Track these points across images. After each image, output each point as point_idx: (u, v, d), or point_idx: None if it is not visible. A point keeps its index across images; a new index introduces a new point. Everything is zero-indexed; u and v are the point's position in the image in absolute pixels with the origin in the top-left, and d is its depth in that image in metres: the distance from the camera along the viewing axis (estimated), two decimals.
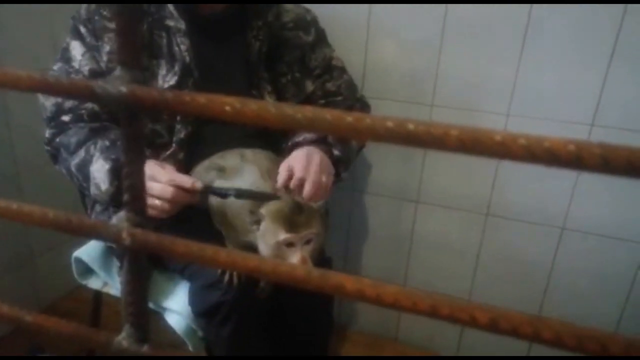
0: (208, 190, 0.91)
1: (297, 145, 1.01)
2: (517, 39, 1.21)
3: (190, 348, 1.05)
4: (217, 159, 1.00)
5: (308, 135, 1.03)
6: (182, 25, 1.00)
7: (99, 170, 0.95)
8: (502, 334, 0.16)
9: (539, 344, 0.16)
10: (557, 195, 1.30)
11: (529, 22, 1.19)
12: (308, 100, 1.16)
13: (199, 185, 0.89)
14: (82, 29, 1.00)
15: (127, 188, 0.21)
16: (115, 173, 0.94)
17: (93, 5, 1.01)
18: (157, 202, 0.88)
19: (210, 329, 0.99)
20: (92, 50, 1.00)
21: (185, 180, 0.89)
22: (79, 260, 1.16)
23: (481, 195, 1.37)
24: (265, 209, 0.85)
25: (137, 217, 0.21)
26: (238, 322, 0.96)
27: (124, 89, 0.19)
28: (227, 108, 0.17)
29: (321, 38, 1.18)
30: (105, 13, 1.00)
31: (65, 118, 1.01)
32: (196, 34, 1.03)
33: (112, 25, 1.00)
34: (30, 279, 1.56)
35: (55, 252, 1.58)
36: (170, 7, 0.99)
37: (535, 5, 1.17)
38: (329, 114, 0.16)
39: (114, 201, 0.97)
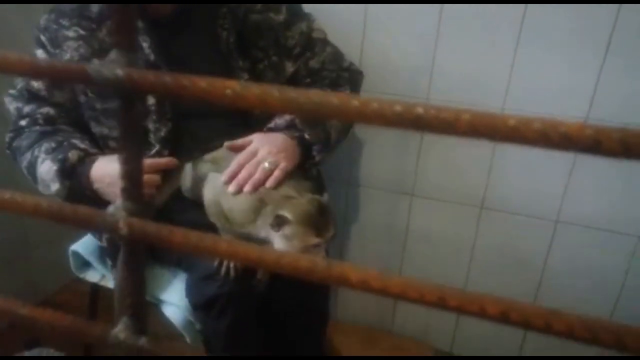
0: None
1: (270, 131, 1.01)
2: (512, 34, 1.20)
3: (188, 340, 1.04)
4: (206, 155, 1.00)
5: (279, 121, 1.02)
6: (139, 24, 0.99)
7: (48, 172, 0.97)
8: (514, 326, 0.15)
9: (548, 335, 0.15)
10: (550, 188, 1.30)
11: (524, 17, 1.18)
12: (291, 81, 1.12)
13: (174, 161, 0.96)
14: (42, 38, 1.02)
15: (124, 175, 0.20)
16: (64, 173, 0.95)
17: (53, 15, 1.02)
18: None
19: (207, 321, 0.99)
20: (53, 58, 1.01)
21: (163, 162, 0.95)
22: (76, 254, 1.16)
23: (476, 188, 1.37)
24: (291, 212, 0.83)
25: (134, 206, 0.20)
26: (235, 314, 0.96)
27: (120, 72, 0.18)
28: (228, 91, 0.17)
29: (295, 13, 1.12)
30: (64, 22, 1.01)
31: (23, 122, 1.04)
32: (161, 30, 1.02)
33: (71, 33, 1.01)
34: (26, 271, 1.55)
35: (52, 244, 1.56)
36: None
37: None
38: (335, 99, 0.15)
39: (68, 200, 0.98)
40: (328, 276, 0.17)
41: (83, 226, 0.22)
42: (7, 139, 1.06)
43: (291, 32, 1.10)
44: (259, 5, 1.07)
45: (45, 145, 0.99)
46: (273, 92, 0.16)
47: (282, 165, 0.91)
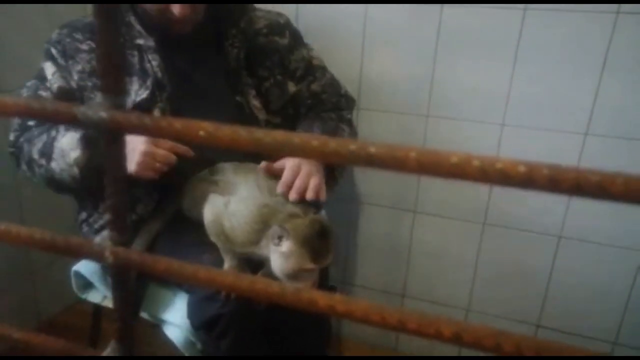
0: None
1: None
2: (510, 50, 1.22)
3: None
4: (210, 172, 1.02)
5: None
6: (151, 42, 1.04)
7: (69, 142, 0.97)
8: (466, 347, 0.16)
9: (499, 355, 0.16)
10: (553, 203, 1.30)
11: (521, 32, 1.20)
12: (293, 100, 1.19)
13: (191, 152, 0.98)
14: (53, 51, 1.06)
15: (109, 207, 0.22)
16: (86, 141, 0.97)
17: (65, 30, 1.07)
18: (157, 165, 0.94)
19: (209, 341, 0.99)
20: (62, 70, 1.06)
21: (183, 149, 0.97)
22: (79, 274, 1.17)
23: (478, 204, 1.38)
24: (293, 228, 0.83)
25: (119, 236, 0.22)
26: (236, 334, 0.96)
27: (104, 114, 0.19)
28: (202, 132, 0.18)
29: (297, 39, 1.21)
30: (77, 36, 1.06)
31: (31, 122, 1.06)
32: (169, 49, 1.07)
33: (84, 46, 1.05)
34: (30, 293, 1.56)
35: (54, 266, 1.58)
36: (139, 26, 1.05)
37: (527, 16, 1.19)
38: (297, 138, 0.17)
39: (84, 173, 0.98)
40: (297, 300, 0.18)
41: (73, 255, 0.23)
42: (11, 137, 1.07)
43: (294, 56, 1.18)
44: (265, 29, 1.15)
45: (63, 126, 1.00)
46: (242, 132, 0.18)
47: (315, 181, 0.97)
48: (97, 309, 1.24)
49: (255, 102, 1.13)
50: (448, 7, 1.25)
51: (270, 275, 0.90)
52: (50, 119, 0.20)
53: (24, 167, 1.06)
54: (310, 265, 0.83)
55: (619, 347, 1.35)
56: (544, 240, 1.34)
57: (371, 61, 1.36)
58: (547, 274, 1.37)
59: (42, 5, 1.45)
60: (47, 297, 1.61)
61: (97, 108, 0.20)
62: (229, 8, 1.12)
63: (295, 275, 0.84)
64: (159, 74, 1.04)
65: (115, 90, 0.20)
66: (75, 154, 0.97)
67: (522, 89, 1.24)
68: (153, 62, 1.04)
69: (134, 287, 1.06)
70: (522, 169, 0.14)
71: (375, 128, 1.40)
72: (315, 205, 1.13)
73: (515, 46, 1.22)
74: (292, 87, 1.17)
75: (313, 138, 0.17)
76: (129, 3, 1.07)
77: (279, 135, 0.17)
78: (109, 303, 1.18)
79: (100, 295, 1.19)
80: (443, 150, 0.15)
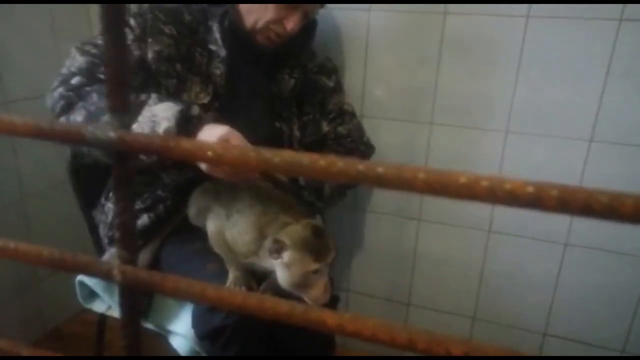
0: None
1: None
2: (513, 57, 1.23)
3: None
4: (213, 183, 1.02)
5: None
6: (222, 52, 1.05)
7: (165, 110, 0.89)
8: None
9: None
10: None
11: (524, 40, 1.21)
12: (322, 140, 1.23)
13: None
14: (132, 21, 1.02)
15: (118, 226, 0.22)
16: (183, 118, 0.88)
17: (146, 6, 1.03)
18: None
19: (213, 352, 0.99)
20: (139, 41, 1.01)
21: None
22: (83, 284, 1.17)
23: (483, 211, 1.38)
24: (288, 237, 0.84)
25: (127, 254, 0.22)
26: (241, 344, 0.96)
27: (112, 134, 0.20)
28: (210, 153, 0.18)
29: (340, 86, 1.26)
30: (161, 16, 1.03)
31: (88, 88, 0.97)
32: (235, 62, 1.08)
33: (167, 29, 1.03)
34: (35, 303, 1.56)
35: (59, 275, 1.58)
36: (217, 34, 1.06)
37: (530, 24, 1.19)
38: (305, 158, 0.17)
39: None
40: (306, 320, 0.18)
41: (82, 272, 0.23)
42: (74, 81, 0.96)
43: (333, 100, 1.23)
44: (315, 68, 1.20)
45: (155, 93, 0.94)
46: (250, 153, 0.18)
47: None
48: (102, 318, 1.24)
49: (297, 133, 1.16)
50: (451, 15, 1.25)
51: (275, 286, 0.89)
52: (59, 140, 0.21)
53: (77, 117, 0.94)
54: (314, 265, 0.83)
55: (628, 355, 1.34)
56: (550, 247, 1.33)
57: (374, 69, 1.36)
58: (553, 282, 1.36)
59: (45, 14, 1.46)
60: (52, 306, 1.61)
61: (105, 128, 0.20)
62: (308, 38, 1.14)
63: (303, 281, 0.84)
64: (218, 84, 1.06)
65: (123, 108, 0.20)
66: (168, 123, 0.87)
67: (526, 96, 1.24)
68: (217, 70, 1.05)
69: (140, 298, 1.06)
70: (530, 189, 0.14)
71: (378, 136, 1.41)
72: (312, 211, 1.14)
73: (518, 53, 1.22)
74: (325, 127, 1.22)
75: (321, 158, 0.17)
76: (242, 3, 1.05)
77: (287, 155, 0.17)
78: (113, 313, 1.18)
79: (105, 305, 1.19)
80: (451, 170, 0.15)
